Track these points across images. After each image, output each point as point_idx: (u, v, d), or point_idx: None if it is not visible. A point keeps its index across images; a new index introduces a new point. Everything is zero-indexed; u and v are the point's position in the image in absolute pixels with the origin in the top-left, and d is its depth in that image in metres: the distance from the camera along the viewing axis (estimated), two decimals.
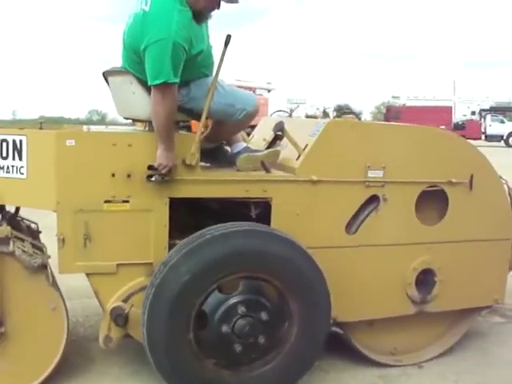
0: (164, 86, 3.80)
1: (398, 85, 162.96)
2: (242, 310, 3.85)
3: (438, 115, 45.13)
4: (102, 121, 71.70)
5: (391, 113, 48.39)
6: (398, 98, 55.72)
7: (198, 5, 3.92)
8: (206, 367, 3.92)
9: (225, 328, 3.83)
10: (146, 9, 3.83)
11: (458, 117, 51.35)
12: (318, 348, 4.16)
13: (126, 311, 4.04)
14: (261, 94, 28.49)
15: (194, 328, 3.83)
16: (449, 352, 5.02)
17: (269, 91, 29.61)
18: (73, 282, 4.51)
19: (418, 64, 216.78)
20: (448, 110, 48.49)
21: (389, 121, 42.69)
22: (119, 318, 4.03)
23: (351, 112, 6.75)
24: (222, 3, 4.06)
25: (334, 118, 7.16)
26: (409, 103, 51.35)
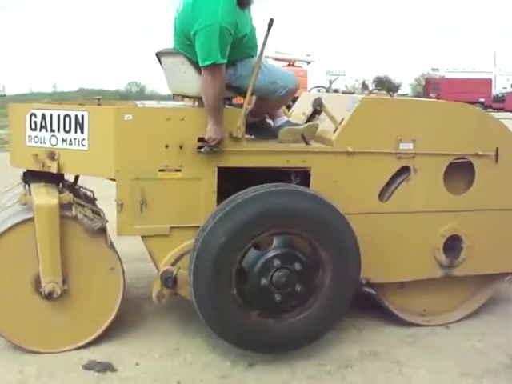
0: (213, 67, 4.10)
1: (438, 57, 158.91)
2: (277, 263, 4.14)
3: (478, 87, 44.33)
4: (141, 93, 71.44)
5: (430, 85, 47.50)
6: (437, 70, 54.55)
7: None
8: (252, 318, 4.22)
9: (264, 281, 4.13)
10: None
11: (497, 89, 50.35)
12: (351, 291, 4.41)
13: (174, 274, 4.35)
14: (300, 66, 28.07)
15: (236, 284, 4.14)
16: (475, 315, 5.24)
17: (308, 63, 29.09)
18: (125, 247, 4.82)
19: (458, 36, 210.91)
20: (487, 83, 47.52)
21: (428, 93, 42.04)
22: (169, 280, 4.35)
23: (383, 89, 7.01)
24: None
25: (372, 90, 7.42)
26: (448, 75, 50.24)
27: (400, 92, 50.99)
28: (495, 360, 4.53)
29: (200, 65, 4.16)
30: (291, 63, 27.40)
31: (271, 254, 4.18)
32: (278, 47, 26.56)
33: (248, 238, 4.13)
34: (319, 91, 7.10)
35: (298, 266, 4.18)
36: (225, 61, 4.15)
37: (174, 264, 4.40)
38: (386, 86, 47.77)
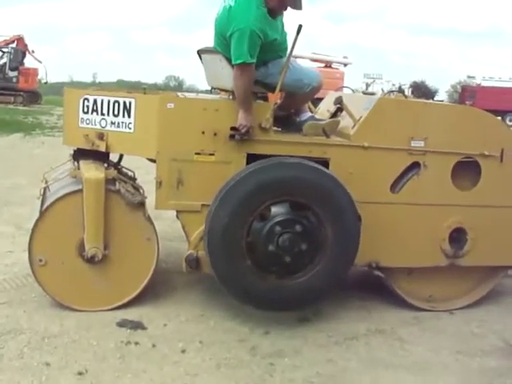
0: (243, 65, 4.61)
1: (475, 64, 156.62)
2: (278, 229, 4.55)
3: None
4: (179, 87, 71.67)
5: (466, 92, 46.71)
6: (473, 77, 53.33)
7: (270, 4, 4.71)
8: (269, 281, 4.67)
9: (271, 247, 4.54)
10: (232, 4, 4.67)
11: None
12: (355, 243, 4.77)
13: (195, 256, 4.85)
14: (337, 68, 28.01)
15: (248, 255, 4.59)
16: (477, 304, 5.59)
17: (345, 65, 29.02)
18: (160, 226, 5.28)
19: (498, 43, 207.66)
20: None
21: (464, 100, 41.41)
22: (192, 262, 4.85)
23: (399, 91, 7.47)
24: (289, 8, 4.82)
25: (389, 92, 7.87)
26: (484, 83, 49.24)
27: (436, 98, 50.25)
28: (490, 343, 4.91)
29: (232, 63, 4.66)
30: (328, 65, 27.37)
31: (271, 222, 4.58)
32: (315, 49, 26.64)
33: (247, 213, 4.56)
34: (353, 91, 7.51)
35: (298, 228, 4.59)
36: (253, 60, 4.64)
37: (199, 243, 4.85)
38: (422, 91, 47.24)
